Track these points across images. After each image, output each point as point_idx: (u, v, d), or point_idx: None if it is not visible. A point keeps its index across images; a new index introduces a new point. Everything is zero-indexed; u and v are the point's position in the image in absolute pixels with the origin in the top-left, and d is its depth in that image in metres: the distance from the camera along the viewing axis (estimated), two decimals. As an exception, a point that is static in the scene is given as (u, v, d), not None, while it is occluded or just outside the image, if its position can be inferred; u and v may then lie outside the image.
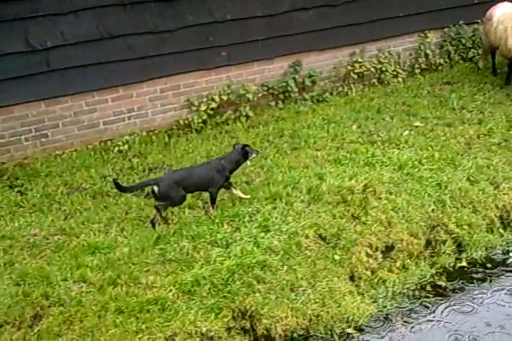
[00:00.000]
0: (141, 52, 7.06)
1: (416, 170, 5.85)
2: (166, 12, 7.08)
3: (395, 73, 8.56)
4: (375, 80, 8.52)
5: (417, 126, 6.89)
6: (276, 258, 4.71)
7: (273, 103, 7.88)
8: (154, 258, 4.75)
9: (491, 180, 5.83)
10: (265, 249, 4.76)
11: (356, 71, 8.39)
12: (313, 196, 5.38)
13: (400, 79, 8.50)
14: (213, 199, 5.30)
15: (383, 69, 8.49)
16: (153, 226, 5.15)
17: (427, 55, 8.82)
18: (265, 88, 7.87)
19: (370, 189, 5.45)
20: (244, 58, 7.72)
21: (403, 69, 8.77)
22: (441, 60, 8.97)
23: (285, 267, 4.66)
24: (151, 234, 5.03)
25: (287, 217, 5.10)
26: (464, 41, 9.08)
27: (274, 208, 5.25)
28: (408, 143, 6.42)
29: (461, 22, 9.08)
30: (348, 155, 6.24)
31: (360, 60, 8.41)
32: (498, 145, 6.42)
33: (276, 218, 5.10)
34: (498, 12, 8.08)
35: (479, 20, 9.20)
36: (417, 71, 8.78)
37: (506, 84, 8.13)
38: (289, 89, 7.86)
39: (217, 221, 5.11)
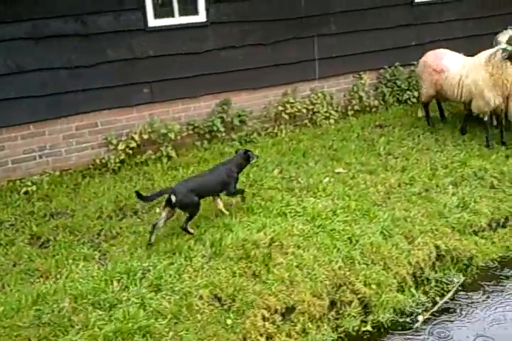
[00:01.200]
0: (55, 87, 6.67)
1: (329, 221, 5.50)
2: (83, 47, 6.73)
3: (327, 114, 8.32)
4: (306, 121, 8.28)
5: (338, 173, 6.62)
6: (163, 322, 4.24)
7: (199, 143, 7.55)
8: (29, 321, 4.25)
9: (406, 233, 5.53)
10: (152, 312, 4.31)
11: (287, 111, 8.12)
12: (216, 250, 4.97)
13: (332, 121, 8.26)
14: (237, 195, 5.83)
15: (315, 110, 8.27)
16: (152, 232, 5.27)
17: (360, 97, 8.67)
18: (191, 127, 7.55)
19: (277, 243, 5.09)
20: (169, 96, 7.39)
21: (336, 111, 8.55)
22: (376, 102, 8.79)
23: (171, 333, 4.19)
24: (32, 291, 4.57)
25: (183, 275, 4.66)
26: (399, 83, 8.96)
27: (172, 264, 4.81)
28: (326, 192, 6.10)
29: (396, 63, 9.00)
30: (263, 203, 5.88)
31: (291, 100, 8.18)
32: (419, 195, 6.17)
33: (170, 276, 4.65)
34: (453, 64, 7.50)
35: (415, 62, 9.17)
36: (350, 113, 8.57)
37: (463, 133, 7.65)
38: (215, 128, 7.56)
39: (106, 278, 4.66)
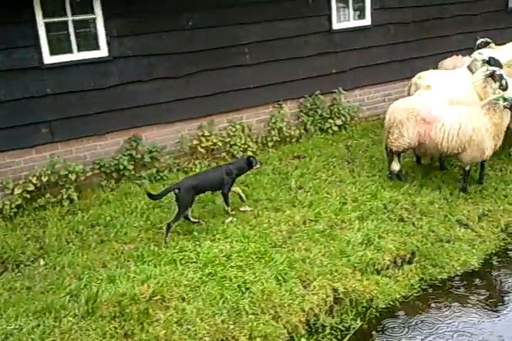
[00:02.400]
0: None
1: (221, 268, 5.13)
2: (-29, 88, 6.41)
3: (245, 146, 8.06)
4: (224, 154, 7.99)
5: (244, 211, 6.35)
6: None
7: (105, 182, 7.14)
8: None
9: (302, 276, 5.18)
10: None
11: (203, 145, 7.80)
12: (89, 308, 4.56)
13: (250, 154, 7.98)
14: (226, 200, 6.22)
15: (232, 142, 7.97)
16: (167, 230, 5.77)
17: (280, 127, 8.39)
18: (96, 166, 7.17)
19: (159, 296, 4.72)
20: (71, 134, 7.00)
21: (256, 142, 8.29)
22: (297, 132, 8.57)
23: None
24: None
25: (47, 339, 4.30)
26: (320, 112, 8.77)
27: (38, 326, 4.43)
28: (226, 233, 5.76)
29: (317, 92, 8.83)
30: (156, 249, 5.51)
31: (207, 133, 7.90)
32: (322, 232, 5.85)
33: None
34: (447, 113, 6.66)
35: (336, 90, 9.00)
36: (270, 144, 8.30)
37: (463, 191, 6.86)
38: (122, 167, 7.19)
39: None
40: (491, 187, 7.01)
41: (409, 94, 7.95)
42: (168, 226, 5.76)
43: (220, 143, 7.79)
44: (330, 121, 8.79)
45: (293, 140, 8.45)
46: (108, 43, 7.04)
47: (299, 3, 8.47)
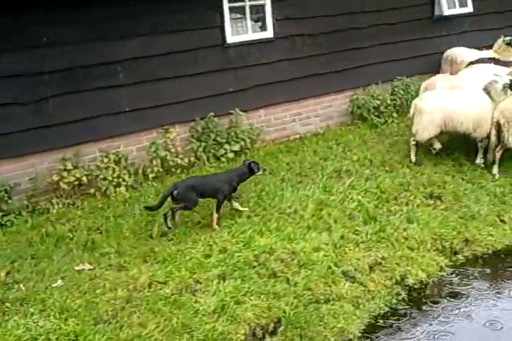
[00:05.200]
0: None
1: (15, 359, 4.06)
2: None
3: (118, 180, 6.86)
4: (93, 190, 6.82)
5: (81, 270, 5.15)
6: None
7: None
8: None
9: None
10: None
11: (66, 181, 6.64)
12: None
13: (123, 189, 6.79)
14: (218, 207, 5.85)
15: (102, 176, 6.86)
16: (165, 220, 5.76)
17: (165, 156, 7.19)
18: None
19: None
20: None
21: (135, 174, 7.08)
22: (186, 160, 7.41)
23: None
24: None
25: None
26: (213, 136, 7.61)
27: None
28: (45, 304, 4.49)
29: (211, 114, 7.69)
30: None
31: (70, 166, 6.72)
32: (167, 299, 4.64)
33: None
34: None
35: (233, 111, 7.90)
36: (152, 176, 7.12)
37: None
38: (-44, 212, 6.02)
39: None
40: (390, 226, 5.99)
41: None
42: (165, 216, 5.76)
43: (84, 178, 6.63)
44: (226, 146, 7.67)
45: (180, 170, 7.31)
46: None
47: (185, 14, 7.30)
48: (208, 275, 4.99)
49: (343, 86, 8.95)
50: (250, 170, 6.03)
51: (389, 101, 9.11)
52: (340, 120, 9.05)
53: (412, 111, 7.38)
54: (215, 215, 5.82)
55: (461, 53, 9.27)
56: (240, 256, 5.26)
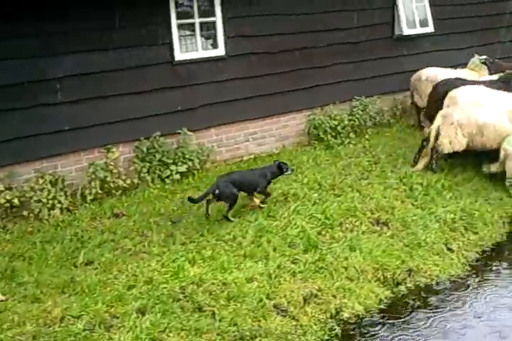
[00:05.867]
0: None
1: None
2: None
3: (53, 202, 6.54)
4: (26, 213, 6.38)
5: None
6: None
7: None
8: None
9: None
10: None
11: (-3, 202, 6.35)
12: None
13: (58, 212, 6.46)
14: (265, 195, 6.55)
15: (36, 198, 6.47)
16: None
17: (105, 177, 6.80)
18: None
19: None
20: None
21: (72, 195, 6.79)
22: (129, 182, 7.09)
23: None
24: None
25: None
26: (159, 157, 7.28)
27: None
28: None
29: (157, 133, 7.41)
30: None
31: (2, 188, 6.28)
32: (77, 336, 4.29)
33: None
34: None
35: (180, 131, 7.63)
36: (90, 198, 6.78)
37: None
38: None
39: None
40: (331, 255, 5.72)
41: None
42: (225, 217, 6.15)
43: (16, 200, 6.30)
44: (172, 167, 7.37)
45: (121, 192, 6.99)
46: None
47: (132, 30, 7.06)
48: (127, 308, 4.67)
49: (301, 105, 8.74)
50: (280, 169, 6.58)
51: (346, 122, 8.91)
52: (296, 140, 8.83)
53: (502, 155, 7.22)
54: (261, 204, 6.45)
55: (436, 73, 9.09)
56: (165, 287, 4.94)
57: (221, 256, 5.51)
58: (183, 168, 7.36)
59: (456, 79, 8.49)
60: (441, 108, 7.80)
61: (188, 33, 7.57)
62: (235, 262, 5.43)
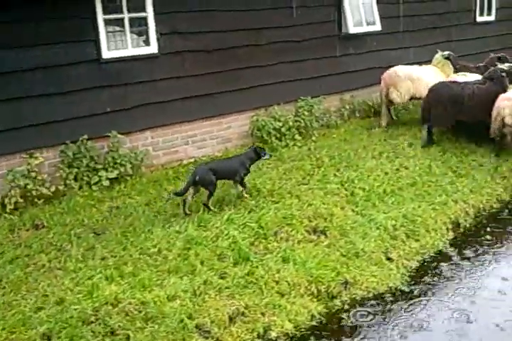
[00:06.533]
0: None
1: None
2: None
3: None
4: None
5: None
6: None
7: None
8: None
9: None
10: None
11: None
12: None
13: (-31, 223, 6.05)
14: (242, 183, 6.49)
15: None
16: (184, 205, 6.15)
17: (26, 184, 6.32)
18: None
19: None
20: None
21: (-12, 205, 6.34)
22: (54, 189, 6.57)
23: None
24: None
25: None
26: (86, 162, 6.80)
27: None
28: None
29: (84, 137, 6.88)
30: None
31: None
32: None
33: None
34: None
35: (110, 134, 7.17)
36: (10, 207, 6.20)
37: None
38: None
39: None
40: (262, 268, 5.37)
41: None
42: (205, 204, 6.16)
43: None
44: (102, 173, 6.92)
45: (43, 201, 6.47)
46: None
47: (54, 26, 6.55)
48: (31, 334, 4.21)
49: (243, 106, 8.39)
50: (257, 154, 6.50)
51: (291, 123, 8.60)
52: (240, 142, 8.47)
53: None
54: (244, 191, 6.50)
55: (410, 70, 9.11)
56: (76, 309, 4.51)
57: (143, 271, 5.09)
58: (113, 174, 6.91)
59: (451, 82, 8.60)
60: (447, 108, 8.13)
61: (117, 29, 7.13)
62: (158, 278, 5.02)
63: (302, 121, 8.75)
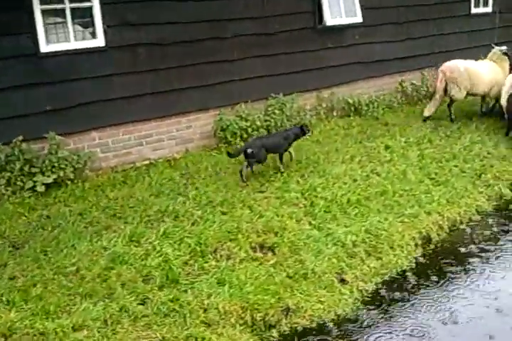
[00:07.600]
0: None
1: None
2: None
3: None
4: None
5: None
6: None
7: None
8: None
9: None
10: None
11: None
12: None
13: None
14: (281, 158, 7.01)
15: None
16: (241, 175, 6.64)
17: None
18: None
19: None
20: None
21: None
22: (-20, 195, 6.14)
23: None
24: None
25: None
26: (19, 165, 6.10)
27: None
28: None
29: (18, 138, 6.17)
30: None
31: None
32: None
33: None
34: None
35: (46, 135, 6.53)
36: None
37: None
38: None
39: None
40: (192, 292, 4.68)
41: None
42: (240, 171, 6.67)
43: None
44: (37, 178, 6.33)
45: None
46: None
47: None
48: None
49: (206, 104, 7.74)
50: (302, 131, 7.05)
51: (259, 123, 7.92)
52: (202, 143, 7.82)
53: None
54: (281, 165, 6.97)
55: (467, 64, 8.82)
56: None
57: (52, 295, 4.48)
58: (50, 179, 6.30)
59: None
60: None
61: (59, 20, 6.50)
62: (68, 303, 4.40)
63: (272, 120, 8.07)
